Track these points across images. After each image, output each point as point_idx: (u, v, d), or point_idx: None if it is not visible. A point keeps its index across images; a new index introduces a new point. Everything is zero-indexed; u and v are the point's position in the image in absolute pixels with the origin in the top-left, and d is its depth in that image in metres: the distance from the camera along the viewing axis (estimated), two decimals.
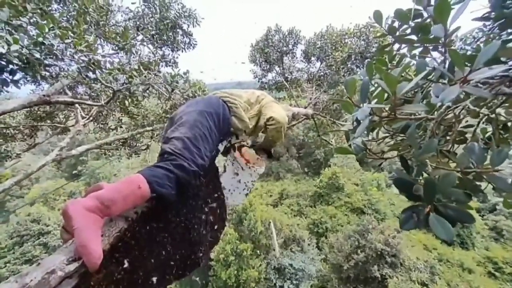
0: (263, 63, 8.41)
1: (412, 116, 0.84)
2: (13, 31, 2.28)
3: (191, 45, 5.79)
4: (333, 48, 7.22)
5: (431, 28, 0.83)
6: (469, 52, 1.91)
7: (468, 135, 1.15)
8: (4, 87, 2.30)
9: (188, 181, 1.07)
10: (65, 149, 5.66)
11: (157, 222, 1.09)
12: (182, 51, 5.79)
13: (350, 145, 0.94)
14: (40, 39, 2.15)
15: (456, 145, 1.10)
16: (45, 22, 2.22)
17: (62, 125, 6.94)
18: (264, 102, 1.68)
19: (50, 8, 3.71)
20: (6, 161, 5.95)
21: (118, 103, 5.65)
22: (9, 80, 2.29)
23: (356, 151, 0.92)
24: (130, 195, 0.90)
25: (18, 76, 2.36)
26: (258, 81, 8.95)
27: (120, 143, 7.10)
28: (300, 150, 29.96)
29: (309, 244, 15.65)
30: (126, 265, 0.97)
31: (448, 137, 1.11)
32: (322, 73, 8.13)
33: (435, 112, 0.92)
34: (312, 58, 8.13)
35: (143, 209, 1.05)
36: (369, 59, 6.68)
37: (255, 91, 1.73)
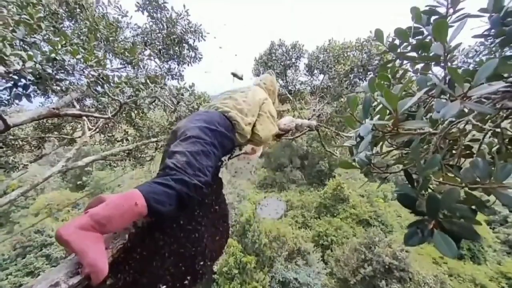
0: None
1: (415, 131, 0.84)
2: (27, 47, 2.39)
3: (196, 58, 5.95)
4: (336, 61, 7.33)
5: (431, 46, 0.85)
6: (471, 66, 1.94)
7: (475, 149, 1.14)
8: (17, 101, 2.38)
9: (190, 195, 1.06)
10: (71, 160, 5.74)
11: (159, 235, 1.09)
12: (188, 65, 5.95)
13: (354, 160, 0.95)
14: (53, 55, 2.24)
15: (463, 159, 1.09)
16: (58, 39, 2.32)
17: (69, 137, 7.06)
18: (262, 110, 1.65)
19: (62, 25, 3.88)
20: (14, 171, 6.04)
21: (124, 115, 5.76)
22: (21, 94, 2.37)
23: (360, 165, 0.93)
24: (126, 213, 0.89)
25: (29, 90, 2.44)
26: None
27: (125, 154, 7.17)
28: (304, 161, 29.78)
29: (314, 258, 15.27)
30: (128, 278, 0.97)
31: (454, 151, 1.11)
32: (325, 86, 8.22)
33: (439, 126, 0.93)
34: (315, 71, 8.25)
35: (144, 222, 1.06)
36: (371, 72, 6.77)
37: (258, 94, 1.68)
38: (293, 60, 8.15)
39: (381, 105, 0.84)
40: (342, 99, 7.61)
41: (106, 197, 0.96)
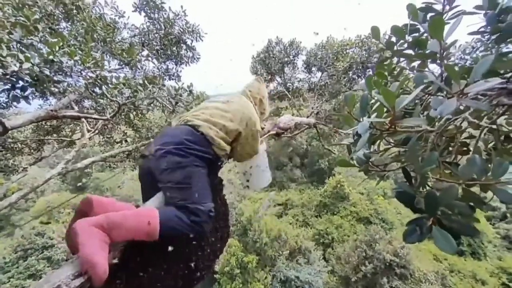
0: (264, 74, 8.54)
1: (412, 129, 0.85)
2: (24, 49, 2.38)
3: (194, 59, 5.94)
4: (334, 58, 7.32)
5: (428, 43, 0.85)
6: (468, 62, 1.94)
7: (472, 146, 1.15)
8: (15, 103, 2.38)
9: (205, 221, 1.08)
10: (71, 162, 5.74)
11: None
12: (186, 65, 5.94)
13: (352, 158, 0.95)
14: (51, 57, 2.23)
15: (459, 156, 1.10)
16: (55, 40, 2.31)
17: (68, 139, 7.06)
18: (245, 131, 1.43)
19: (58, 26, 3.87)
20: (13, 174, 6.03)
21: (123, 117, 5.76)
22: (19, 96, 2.37)
23: (359, 164, 0.93)
24: (136, 227, 0.91)
25: (27, 92, 2.44)
26: None
27: (125, 155, 7.18)
28: (303, 159, 29.79)
29: (315, 256, 15.32)
30: (129, 278, 0.97)
31: (451, 148, 1.11)
32: (323, 83, 8.21)
33: (436, 124, 0.93)
34: (313, 68, 8.24)
35: None
36: (370, 69, 6.77)
37: (243, 109, 1.44)
38: (291, 57, 8.15)
39: (378, 103, 0.85)
40: (340, 97, 7.61)
41: (94, 197, 0.98)
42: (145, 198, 1.23)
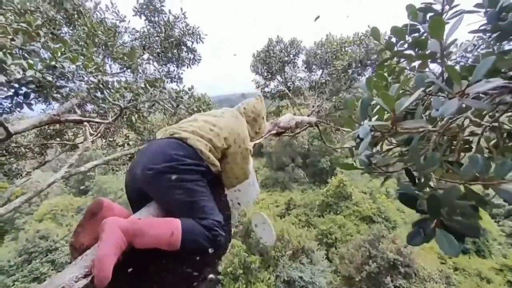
0: (265, 73, 8.56)
1: (414, 130, 0.85)
2: (26, 55, 2.40)
3: (195, 60, 5.96)
4: (334, 56, 7.33)
5: (428, 43, 0.86)
6: (470, 60, 1.93)
7: (474, 143, 1.14)
8: (18, 109, 2.40)
9: (222, 234, 1.07)
10: (74, 166, 5.77)
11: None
12: (187, 67, 5.96)
13: (354, 161, 0.96)
14: (53, 63, 2.25)
15: (462, 154, 1.10)
16: (58, 46, 2.33)
17: (71, 142, 7.10)
18: (233, 149, 1.34)
19: (60, 31, 3.90)
20: (17, 179, 6.08)
21: (125, 120, 5.79)
22: (22, 102, 2.39)
23: (362, 166, 0.93)
24: (158, 237, 0.91)
25: (30, 97, 2.46)
26: (261, 91, 9.08)
27: (127, 158, 7.20)
28: (305, 159, 29.75)
29: (318, 256, 15.28)
30: (130, 279, 0.98)
31: (453, 147, 1.11)
32: (323, 81, 8.22)
33: (438, 123, 0.93)
34: (313, 67, 8.25)
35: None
36: (369, 66, 6.75)
37: (232, 125, 1.37)
38: (291, 56, 8.16)
39: (379, 106, 0.85)
40: (340, 94, 7.62)
41: (104, 199, 0.99)
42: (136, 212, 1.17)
